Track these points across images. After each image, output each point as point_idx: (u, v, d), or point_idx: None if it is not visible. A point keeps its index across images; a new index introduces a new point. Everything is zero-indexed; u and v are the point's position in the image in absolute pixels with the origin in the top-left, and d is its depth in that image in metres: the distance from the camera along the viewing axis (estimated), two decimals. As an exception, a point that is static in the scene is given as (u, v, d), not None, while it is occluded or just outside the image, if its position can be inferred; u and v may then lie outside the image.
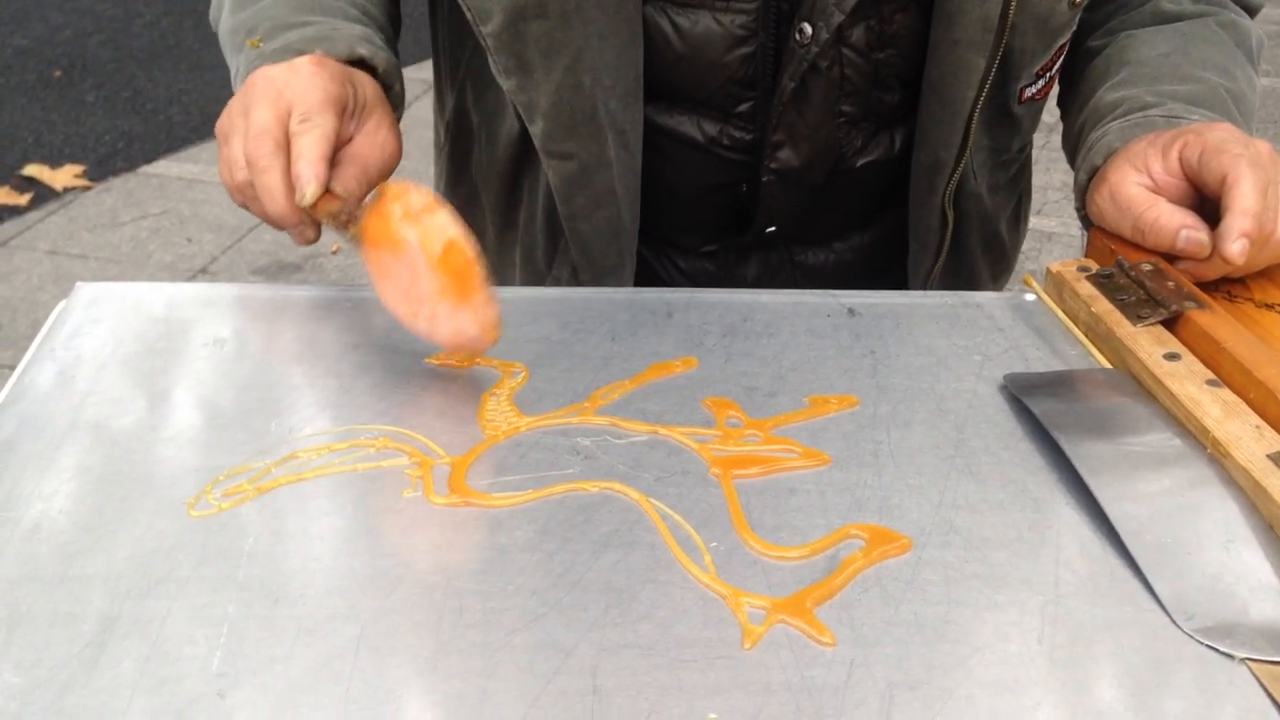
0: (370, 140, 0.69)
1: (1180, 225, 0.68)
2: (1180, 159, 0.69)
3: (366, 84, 0.71)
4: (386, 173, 0.70)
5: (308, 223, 0.66)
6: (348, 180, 0.66)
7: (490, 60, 0.74)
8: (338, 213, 0.65)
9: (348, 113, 0.68)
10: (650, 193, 0.80)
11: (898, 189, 0.84)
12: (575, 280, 0.83)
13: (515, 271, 0.88)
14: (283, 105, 0.65)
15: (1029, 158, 0.89)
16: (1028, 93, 0.79)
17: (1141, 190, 0.70)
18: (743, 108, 0.77)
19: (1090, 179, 0.75)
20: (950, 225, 0.81)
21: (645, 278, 0.86)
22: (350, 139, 0.68)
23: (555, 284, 0.85)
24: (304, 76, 0.66)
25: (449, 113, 0.89)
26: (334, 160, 0.66)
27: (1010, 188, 0.87)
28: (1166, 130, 0.72)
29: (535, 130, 0.76)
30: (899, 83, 0.77)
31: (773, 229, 0.83)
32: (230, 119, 0.68)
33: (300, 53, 0.69)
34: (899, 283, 0.87)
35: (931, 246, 0.83)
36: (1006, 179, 0.86)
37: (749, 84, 0.76)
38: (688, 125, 0.78)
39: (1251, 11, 0.84)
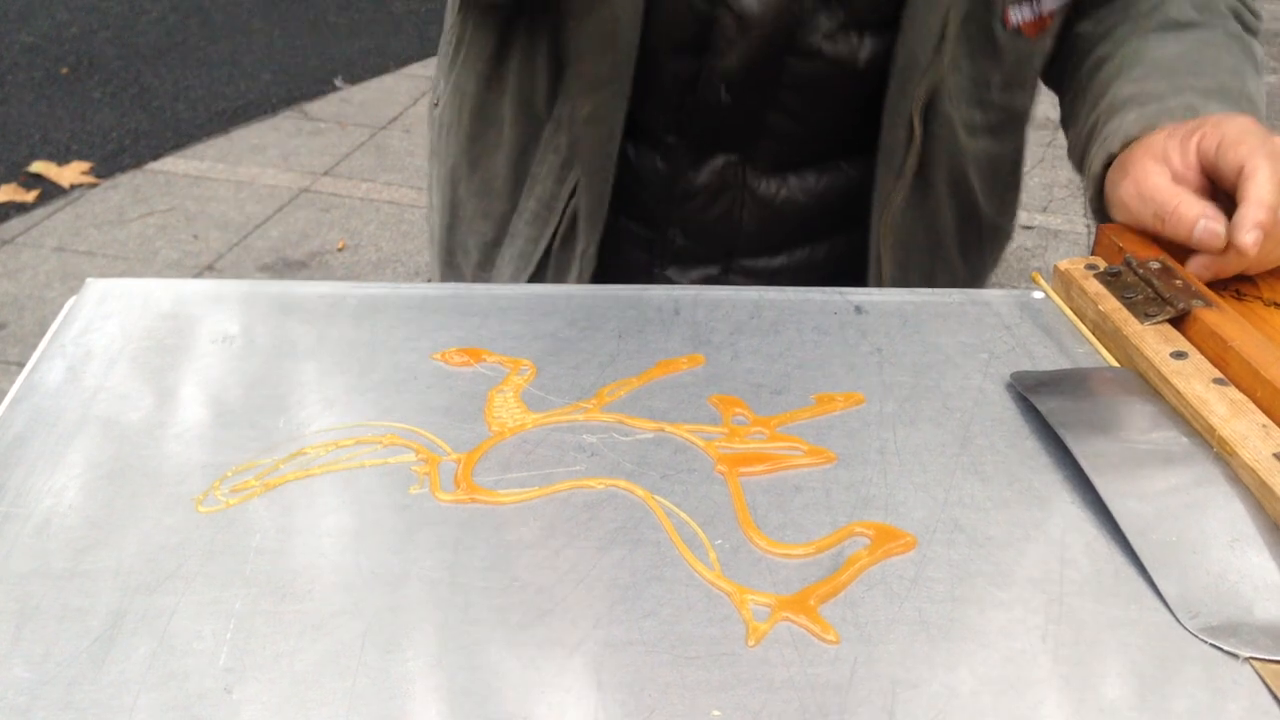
0: None
1: (1200, 215, 0.66)
2: (1198, 150, 0.69)
3: None
4: None
5: None
6: None
7: None
8: None
9: None
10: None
11: (863, 135, 0.81)
12: (573, 111, 0.80)
13: (505, 128, 0.86)
14: None
15: (1023, 125, 0.87)
16: (1012, 18, 0.77)
17: (1165, 181, 0.69)
18: None
19: (1106, 167, 0.74)
20: (916, 142, 0.79)
21: (622, 177, 0.83)
22: None
23: (554, 128, 0.83)
24: None
25: None
26: None
27: (990, 139, 0.85)
28: (1185, 122, 0.71)
29: None
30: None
31: (727, 100, 0.80)
32: None
33: None
34: (857, 233, 0.84)
35: (895, 164, 0.80)
36: (986, 125, 0.83)
37: None
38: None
39: (1254, 32, 0.83)
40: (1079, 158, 0.81)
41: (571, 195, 0.84)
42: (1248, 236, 0.64)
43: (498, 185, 0.88)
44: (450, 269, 0.97)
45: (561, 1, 0.77)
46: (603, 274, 0.87)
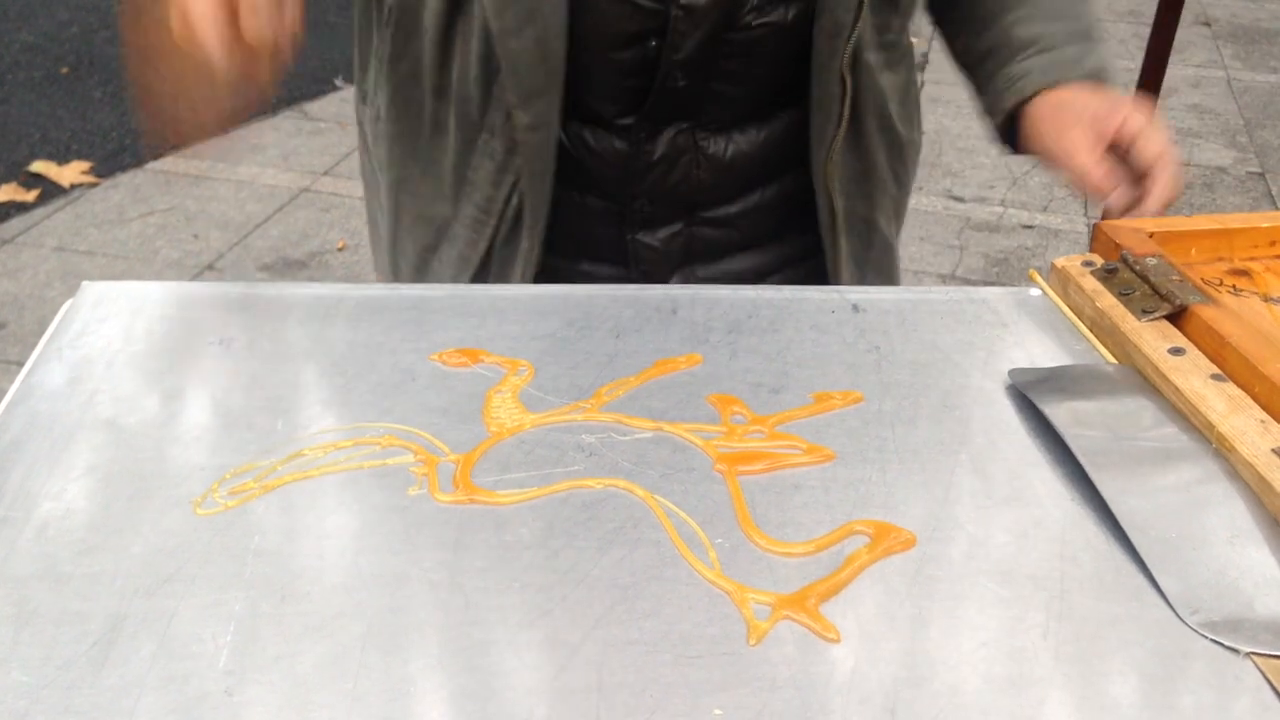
0: None
1: (1113, 188, 0.81)
2: (1115, 138, 0.82)
3: None
4: None
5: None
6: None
7: None
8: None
9: None
10: (569, 51, 0.84)
11: (791, 86, 0.91)
12: (507, 124, 0.86)
13: (449, 139, 0.90)
14: None
15: (910, 52, 0.97)
16: None
17: (1088, 153, 0.82)
18: None
19: (1018, 107, 0.88)
20: (849, 93, 0.89)
21: (564, 159, 0.89)
22: None
23: (489, 135, 0.88)
24: None
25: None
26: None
27: (896, 71, 0.95)
28: (1093, 94, 0.85)
29: None
30: None
31: (681, 84, 0.87)
32: None
33: None
34: (799, 171, 0.94)
35: (833, 116, 0.89)
36: (893, 60, 0.94)
37: None
38: None
39: None
40: (977, 76, 0.96)
41: (508, 198, 0.89)
42: (1152, 209, 0.79)
43: (443, 190, 0.93)
44: (395, 273, 1.01)
45: (488, 19, 0.82)
46: (576, 253, 0.93)
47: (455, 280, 0.93)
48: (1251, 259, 0.76)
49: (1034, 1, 0.92)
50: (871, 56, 0.90)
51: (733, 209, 0.96)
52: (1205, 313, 0.64)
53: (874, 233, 0.99)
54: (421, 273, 0.97)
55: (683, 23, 0.84)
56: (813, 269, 0.97)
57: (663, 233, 0.94)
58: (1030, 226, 2.96)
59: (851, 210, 0.95)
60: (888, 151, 0.97)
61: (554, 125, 0.86)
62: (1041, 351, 0.68)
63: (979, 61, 0.95)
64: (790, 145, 0.94)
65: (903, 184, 1.02)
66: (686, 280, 0.97)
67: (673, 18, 0.84)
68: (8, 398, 0.62)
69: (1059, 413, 0.60)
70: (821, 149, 0.91)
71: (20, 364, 0.66)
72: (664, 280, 0.96)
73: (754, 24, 0.86)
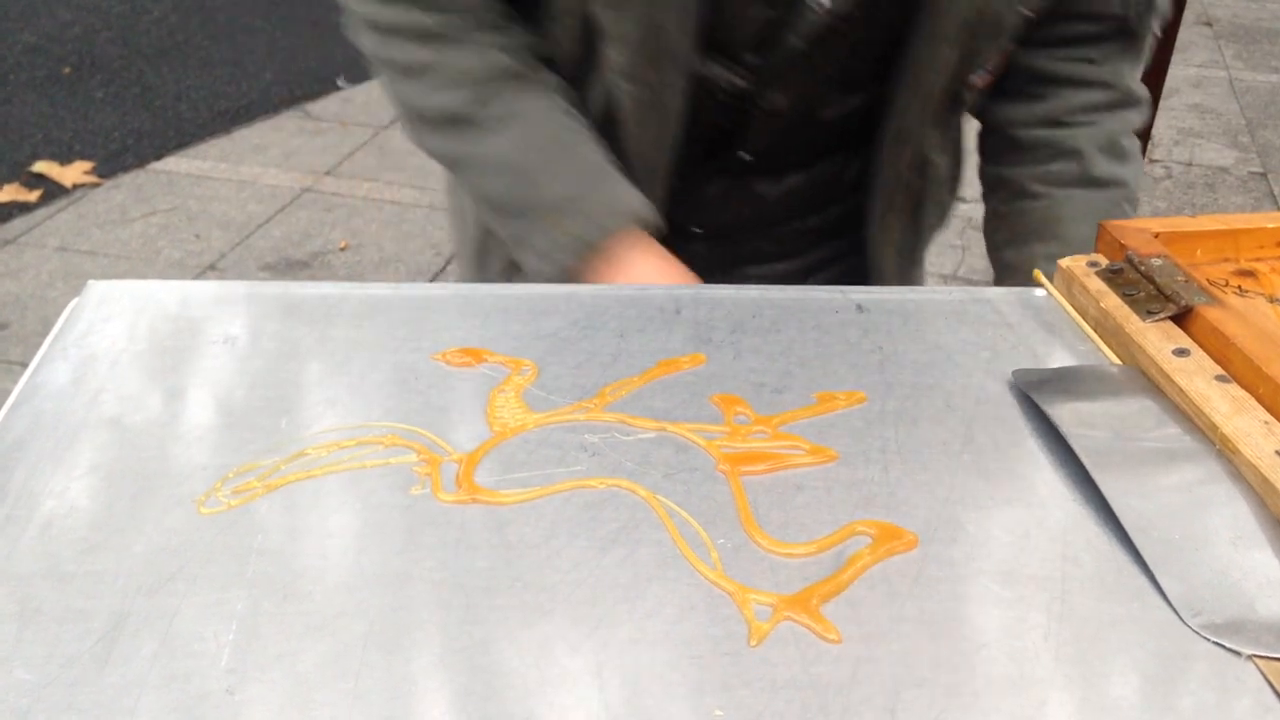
0: None
1: None
2: None
3: None
4: None
5: None
6: None
7: None
8: None
9: None
10: None
11: (851, 141, 0.96)
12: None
13: None
14: None
15: (962, 136, 1.03)
16: (974, 82, 0.91)
17: None
18: (748, 57, 0.87)
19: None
20: (912, 189, 0.96)
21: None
22: None
23: None
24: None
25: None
26: None
27: (951, 156, 1.01)
28: None
29: (618, 59, 0.84)
30: (872, 57, 0.89)
31: (748, 160, 0.95)
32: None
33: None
34: (856, 230, 1.00)
35: (893, 203, 0.96)
36: (950, 145, 1.00)
37: (759, 38, 0.86)
38: (713, 69, 0.88)
39: (1142, 103, 1.00)
40: (994, 240, 1.02)
41: None
42: None
43: None
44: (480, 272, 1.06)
45: (615, 79, 0.86)
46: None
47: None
48: (1257, 260, 0.76)
49: (1068, 241, 0.94)
50: (935, 153, 0.96)
51: (780, 231, 1.03)
52: (1210, 314, 0.64)
53: (920, 245, 1.06)
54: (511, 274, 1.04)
55: (761, 120, 0.91)
56: (855, 266, 1.03)
57: (712, 242, 0.99)
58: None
59: (902, 244, 1.02)
60: (936, 216, 1.04)
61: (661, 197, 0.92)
62: (1045, 352, 0.68)
63: (1001, 237, 1.00)
64: (840, 183, 1.00)
65: (935, 233, 1.08)
66: (735, 280, 0.99)
67: (752, 119, 0.91)
68: (12, 397, 0.62)
69: (1062, 413, 0.60)
70: (877, 226, 0.97)
71: (23, 364, 0.66)
72: (711, 278, 1.00)
73: (828, 117, 0.93)
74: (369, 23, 0.88)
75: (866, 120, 0.93)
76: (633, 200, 0.85)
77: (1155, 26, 0.97)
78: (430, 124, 0.89)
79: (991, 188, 1.03)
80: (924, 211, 1.00)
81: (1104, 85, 0.97)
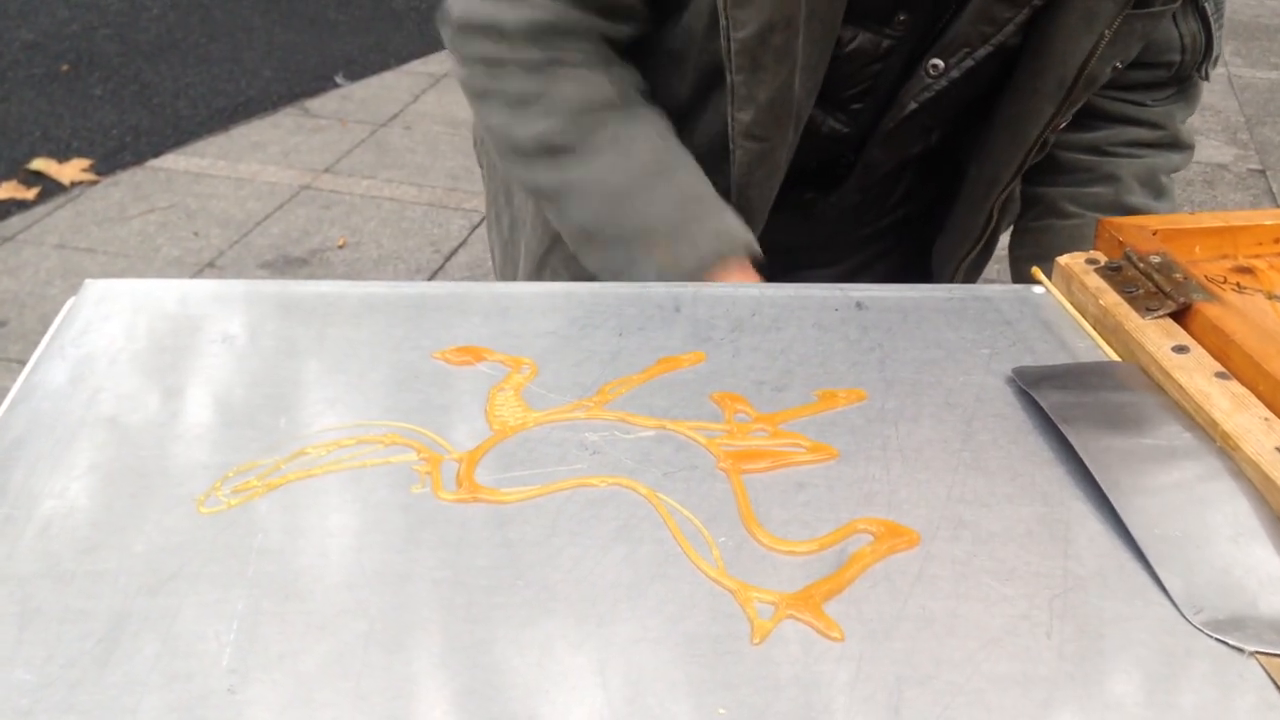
0: None
1: None
2: None
3: None
4: None
5: None
6: None
7: (726, 59, 0.83)
8: None
9: None
10: None
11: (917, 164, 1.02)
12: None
13: None
14: None
15: None
16: (1061, 126, 0.94)
17: None
18: (855, 107, 0.92)
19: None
20: (994, 223, 0.99)
21: None
22: None
23: None
24: None
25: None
26: None
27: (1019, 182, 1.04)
28: None
29: (743, 119, 0.85)
30: (968, 109, 0.94)
31: (832, 199, 1.00)
32: None
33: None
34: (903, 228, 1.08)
35: (971, 238, 1.00)
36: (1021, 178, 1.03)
37: (868, 92, 0.91)
38: (814, 113, 0.92)
39: (1187, 149, 1.03)
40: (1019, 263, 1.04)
41: None
42: None
43: None
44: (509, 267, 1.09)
45: (738, 177, 0.89)
46: None
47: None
48: (1256, 256, 0.75)
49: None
50: (1015, 191, 0.99)
51: (834, 240, 1.07)
52: (1209, 311, 0.64)
53: (986, 262, 1.09)
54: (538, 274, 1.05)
55: (860, 172, 0.97)
56: (900, 263, 1.08)
57: (770, 255, 1.03)
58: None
59: (971, 267, 1.05)
60: (1007, 228, 1.07)
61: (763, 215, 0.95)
62: (1045, 349, 0.68)
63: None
64: (891, 201, 1.06)
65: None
66: (796, 278, 1.02)
67: (853, 170, 0.97)
68: (10, 396, 0.62)
69: (1063, 411, 0.60)
70: (949, 256, 1.02)
71: (21, 362, 0.66)
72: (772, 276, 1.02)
73: (910, 157, 0.98)
74: (484, 59, 0.88)
75: (941, 152, 0.97)
76: (738, 229, 0.85)
77: (1208, 74, 1.00)
78: (530, 155, 0.88)
79: (1025, 203, 1.04)
80: (997, 236, 1.04)
81: (1153, 125, 1.00)
